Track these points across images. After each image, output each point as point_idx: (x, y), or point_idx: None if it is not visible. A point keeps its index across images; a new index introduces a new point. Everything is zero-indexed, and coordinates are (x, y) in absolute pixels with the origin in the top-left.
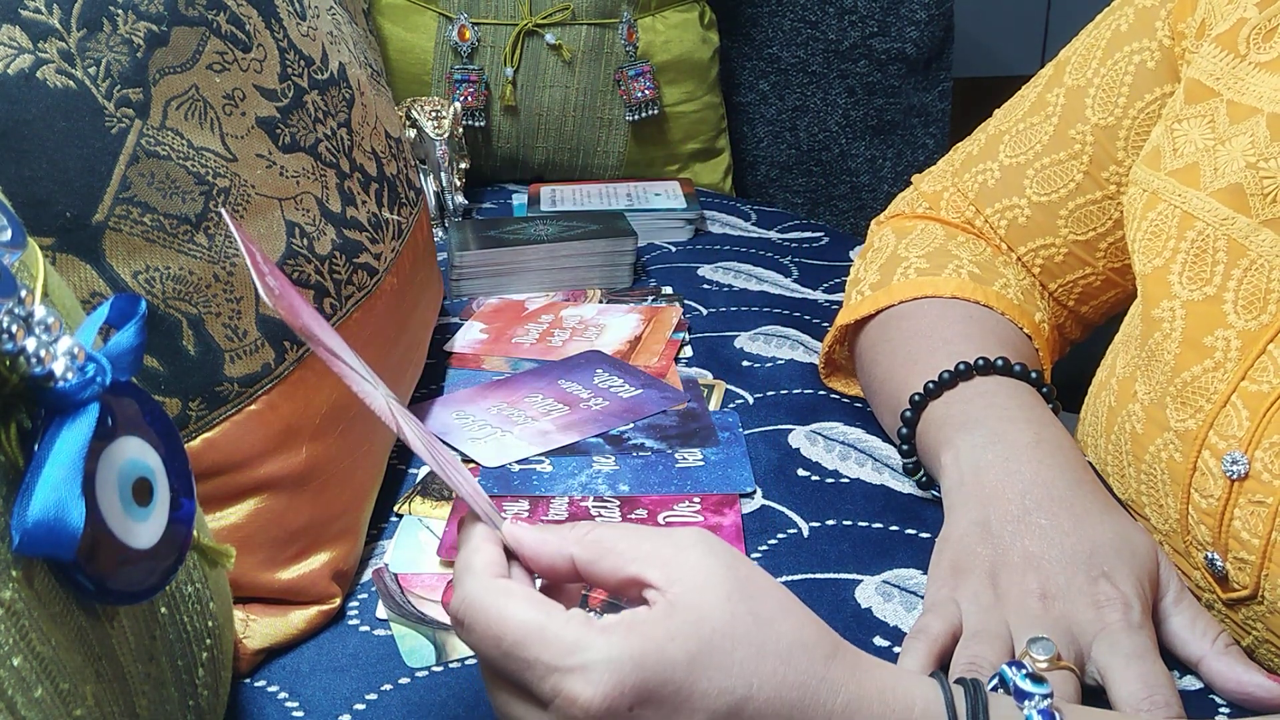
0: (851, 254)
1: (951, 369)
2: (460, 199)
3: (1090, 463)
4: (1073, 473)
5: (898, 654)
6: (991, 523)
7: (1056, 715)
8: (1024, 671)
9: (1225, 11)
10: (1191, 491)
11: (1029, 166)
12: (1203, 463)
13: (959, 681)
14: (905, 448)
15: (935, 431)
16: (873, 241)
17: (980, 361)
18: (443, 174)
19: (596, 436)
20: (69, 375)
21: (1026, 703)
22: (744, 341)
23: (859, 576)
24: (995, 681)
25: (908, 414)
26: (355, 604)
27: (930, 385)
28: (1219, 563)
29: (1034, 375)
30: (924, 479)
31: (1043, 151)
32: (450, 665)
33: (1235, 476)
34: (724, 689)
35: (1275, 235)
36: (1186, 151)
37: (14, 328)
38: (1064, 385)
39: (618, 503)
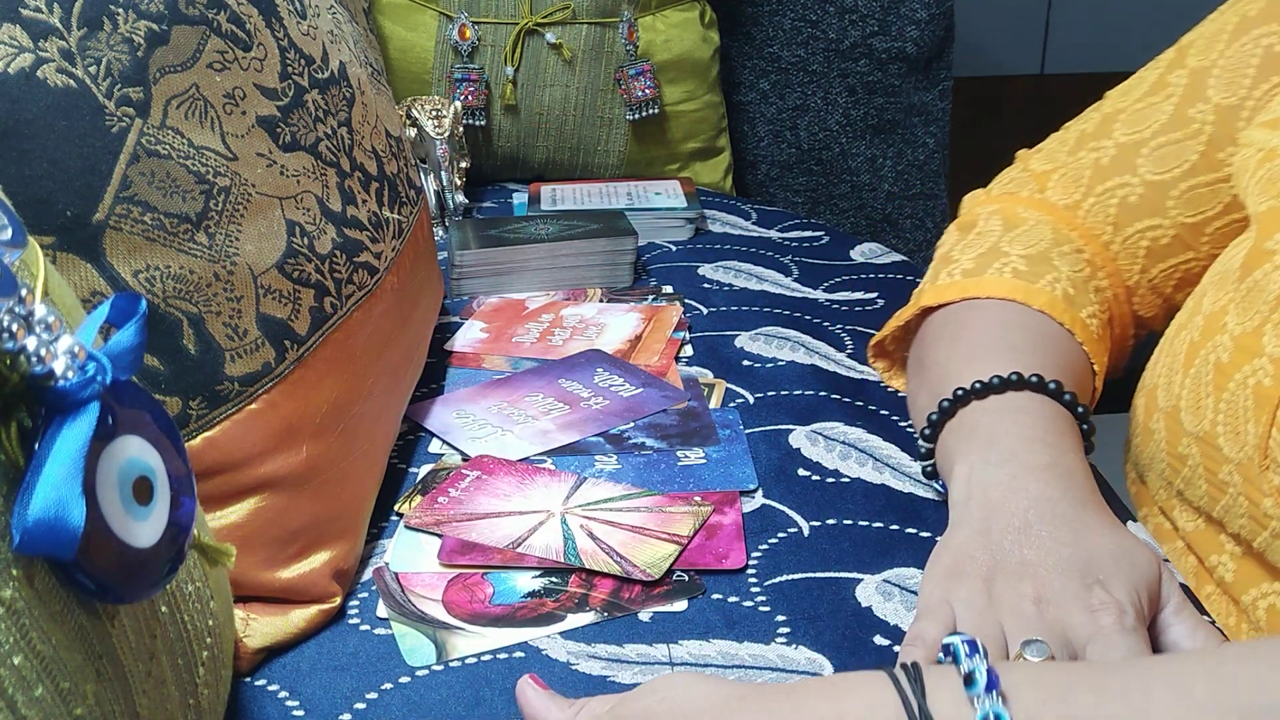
0: (852, 253)
1: (986, 380)
2: (460, 198)
3: (1103, 483)
4: (1080, 494)
5: (898, 653)
6: (992, 531)
7: (993, 673)
8: (964, 637)
9: None
10: (1278, 412)
11: (1144, 145)
12: None
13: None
14: (925, 448)
15: (956, 440)
16: (976, 220)
17: (1014, 376)
18: (443, 173)
19: (597, 435)
20: (69, 374)
21: (966, 660)
22: (744, 341)
23: (859, 576)
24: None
25: (934, 417)
26: (356, 603)
27: (960, 392)
28: None
29: (1068, 397)
30: (930, 469)
31: (1160, 130)
32: (450, 664)
33: None
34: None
35: None
36: None
37: (14, 326)
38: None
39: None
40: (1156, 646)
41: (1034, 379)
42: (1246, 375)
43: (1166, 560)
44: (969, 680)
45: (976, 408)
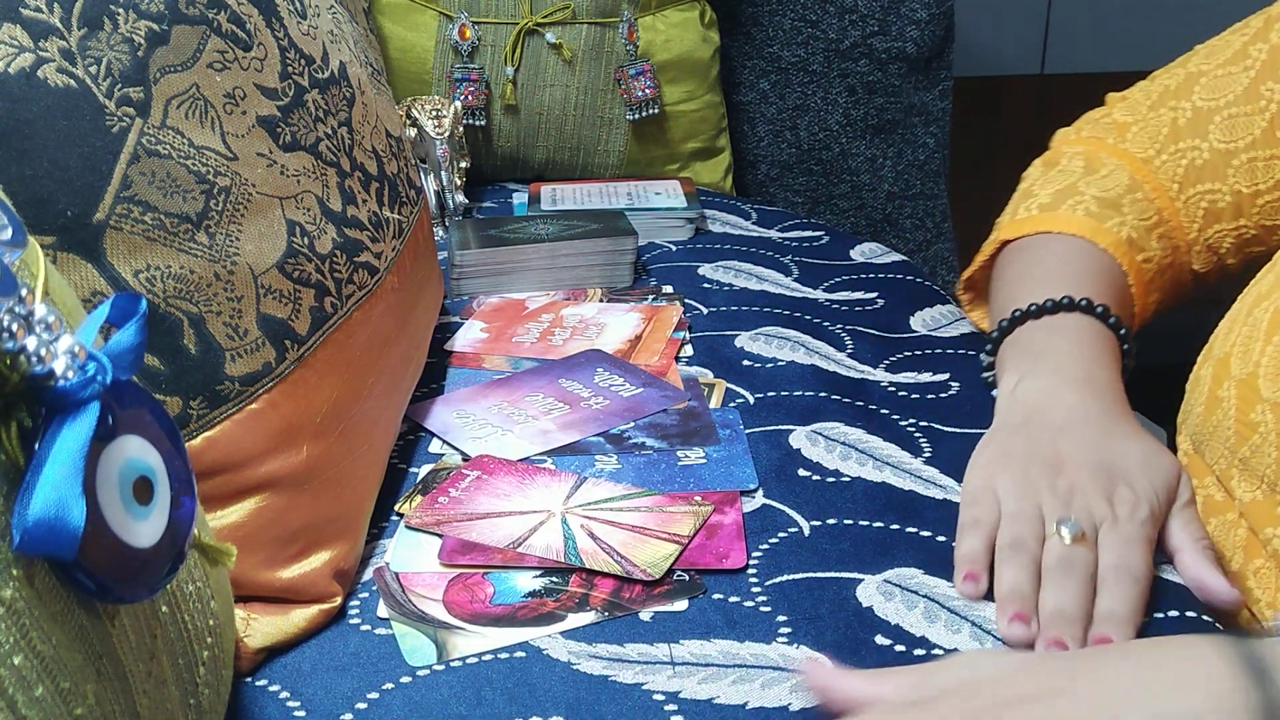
0: (852, 253)
1: (1041, 302)
2: (460, 198)
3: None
4: (1111, 405)
5: (900, 652)
6: (1031, 429)
7: None
8: None
9: None
10: None
11: (1218, 113)
12: None
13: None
14: (987, 361)
15: (1010, 354)
16: (1059, 159)
17: (1066, 299)
18: (443, 173)
19: (597, 435)
20: (69, 374)
21: None
22: (745, 341)
23: (860, 575)
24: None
25: (994, 334)
26: (356, 603)
27: (1018, 313)
28: None
29: (1113, 320)
30: (990, 379)
31: (1233, 101)
32: (451, 664)
33: None
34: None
35: None
36: None
37: (14, 326)
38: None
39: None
40: (1164, 535)
41: (1084, 302)
42: None
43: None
44: None
45: (1031, 326)
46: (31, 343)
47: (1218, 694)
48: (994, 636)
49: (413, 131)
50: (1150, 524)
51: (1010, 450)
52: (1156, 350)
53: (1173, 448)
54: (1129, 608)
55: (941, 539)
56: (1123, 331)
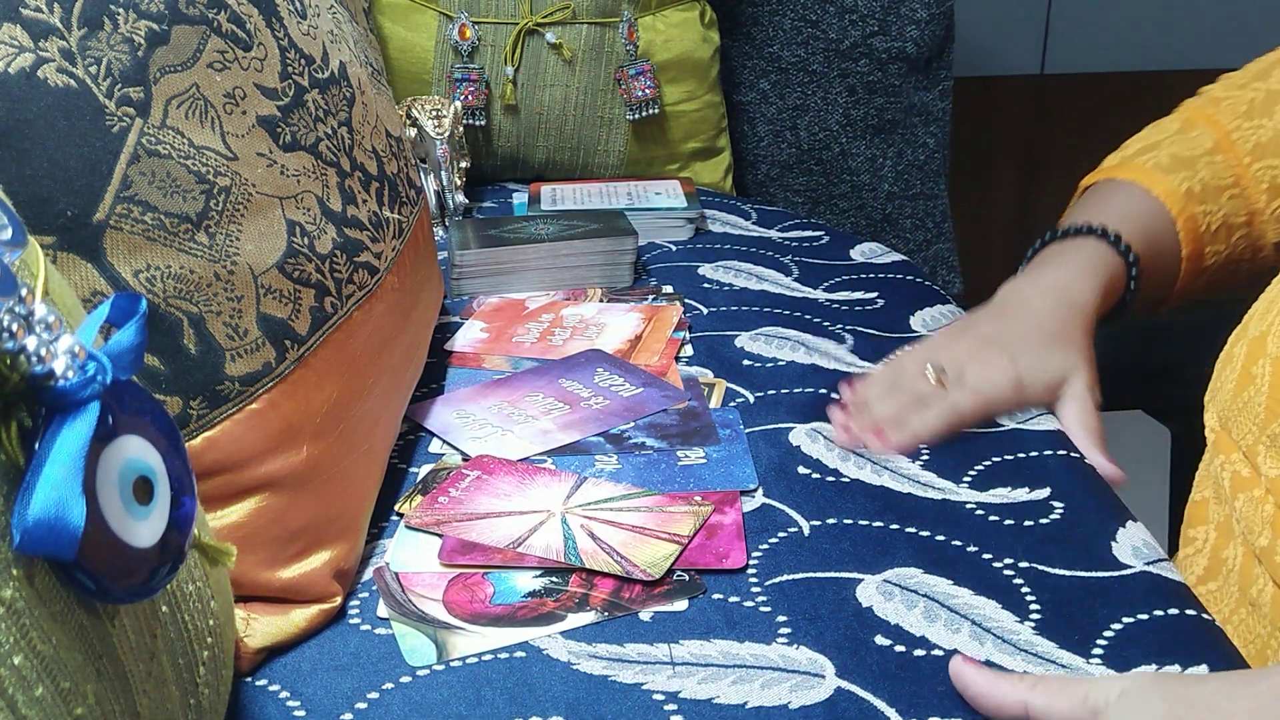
0: (852, 253)
1: (1065, 228)
2: (461, 198)
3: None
4: (1064, 311)
5: (900, 652)
6: (986, 311)
7: None
8: None
9: None
10: None
11: None
12: None
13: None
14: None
15: (1024, 268)
16: (1170, 120)
17: (1084, 226)
18: (443, 173)
19: (597, 435)
20: (69, 374)
21: None
22: (745, 341)
23: (860, 575)
24: None
25: (1028, 254)
26: (356, 603)
27: (1048, 236)
28: None
29: (1123, 247)
30: None
31: None
32: (451, 664)
33: None
34: None
35: None
36: None
37: (14, 326)
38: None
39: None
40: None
41: (1099, 229)
42: None
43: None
44: None
45: (1052, 246)
46: (31, 343)
47: None
48: (993, 635)
49: (413, 131)
50: (1011, 390)
51: (954, 326)
52: (1172, 351)
53: (1199, 428)
54: (926, 429)
55: (940, 538)
56: (1131, 258)
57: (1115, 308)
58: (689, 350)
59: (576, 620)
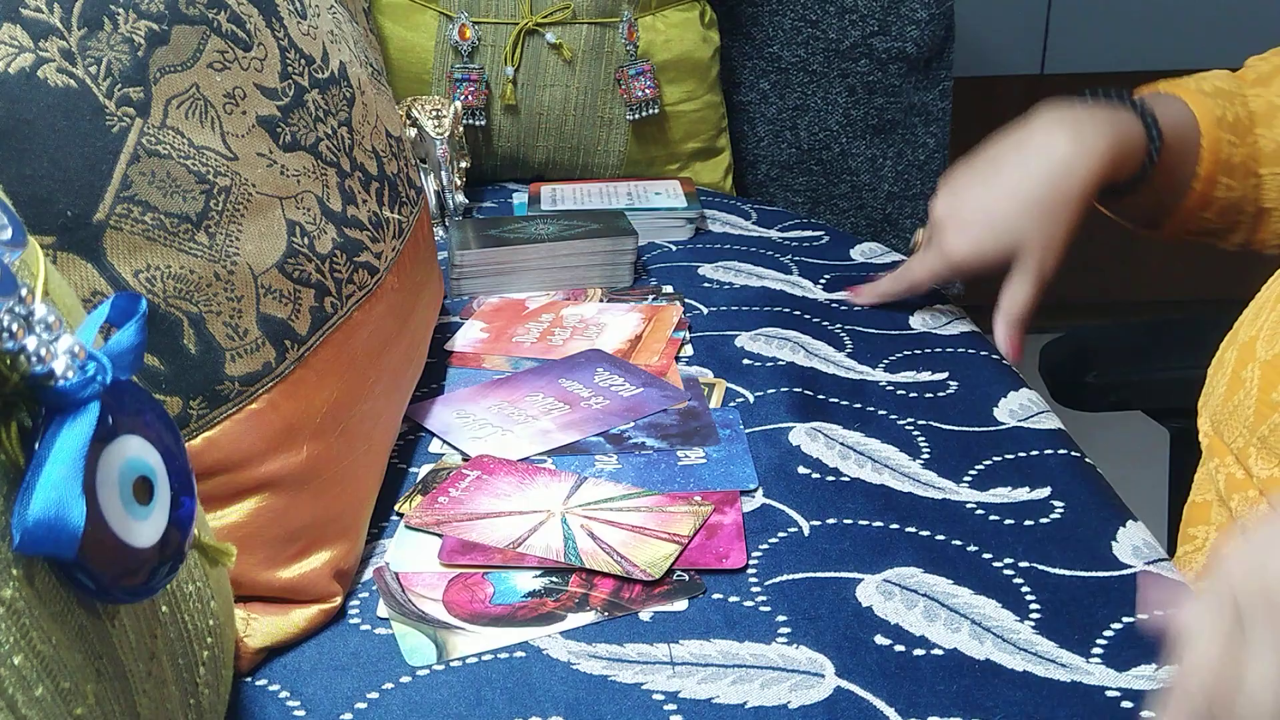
0: (852, 253)
1: (1096, 93)
2: (461, 198)
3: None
4: (1069, 154)
5: (900, 652)
6: (1003, 145)
7: None
8: None
9: None
10: None
11: None
12: None
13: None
14: None
15: (1050, 116)
16: (1228, 73)
17: (1115, 94)
18: (443, 173)
19: (597, 435)
20: (69, 374)
21: None
22: (745, 340)
23: (859, 575)
24: None
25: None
26: (356, 603)
27: (1085, 97)
28: None
29: (1147, 115)
30: None
31: None
32: (451, 664)
33: None
34: None
35: None
36: None
37: (14, 326)
38: None
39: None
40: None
41: (1128, 98)
42: None
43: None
44: None
45: (1079, 107)
46: (31, 343)
47: None
48: (993, 634)
49: (413, 131)
50: (971, 256)
51: (957, 179)
52: (1171, 352)
53: (1193, 432)
54: (884, 286)
55: (940, 538)
56: (1150, 121)
57: (1129, 181)
58: (689, 350)
59: (576, 620)
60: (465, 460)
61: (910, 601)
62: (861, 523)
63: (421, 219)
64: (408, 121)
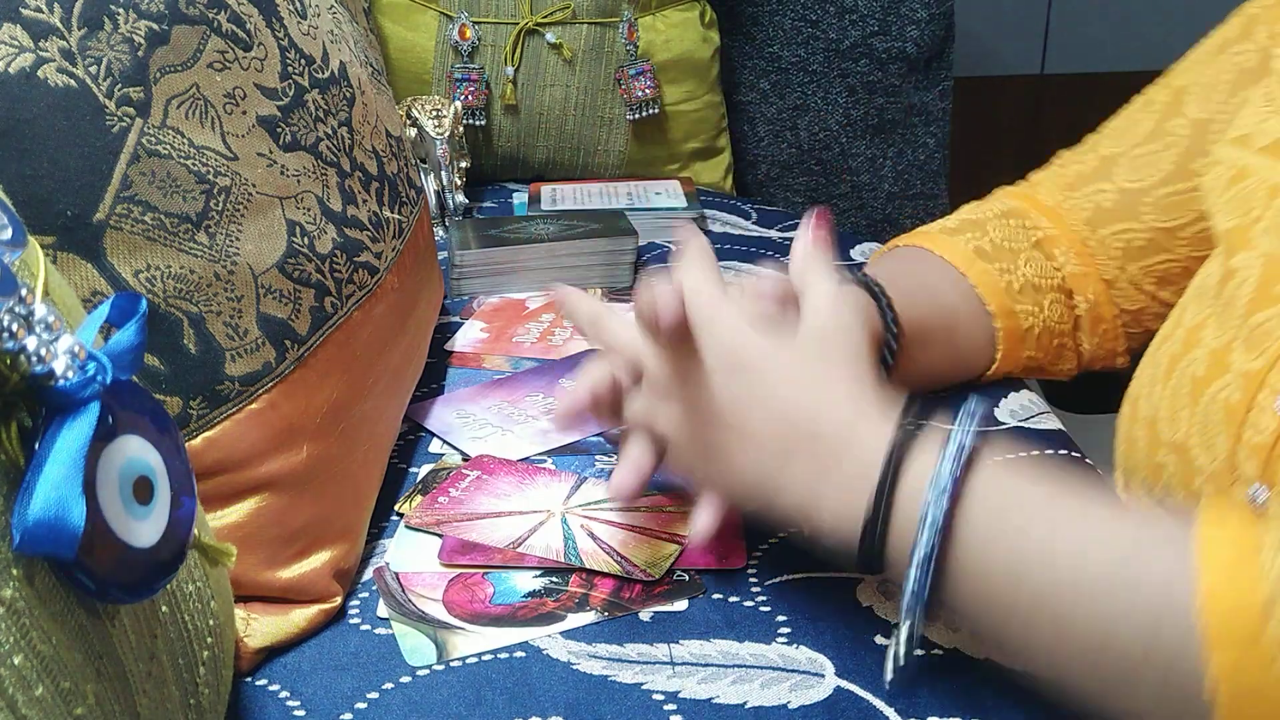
0: (852, 253)
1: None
2: (461, 198)
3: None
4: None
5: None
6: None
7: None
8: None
9: None
10: (1244, 429)
11: (1123, 156)
12: (1259, 400)
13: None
14: None
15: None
16: (987, 201)
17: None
18: (443, 173)
19: (597, 435)
20: (69, 374)
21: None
22: None
23: (860, 575)
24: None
25: None
26: (356, 603)
27: None
28: (1261, 497)
29: (884, 301)
30: None
31: (1139, 143)
32: (451, 664)
33: None
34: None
35: None
36: (1277, 132)
37: (14, 326)
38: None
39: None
40: None
41: (863, 279)
42: (1217, 390)
43: None
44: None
45: None
46: (31, 343)
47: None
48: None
49: (413, 131)
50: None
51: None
52: None
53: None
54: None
55: None
56: (884, 303)
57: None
58: None
59: (576, 620)
60: (465, 460)
61: None
62: None
63: (421, 219)
64: (408, 121)
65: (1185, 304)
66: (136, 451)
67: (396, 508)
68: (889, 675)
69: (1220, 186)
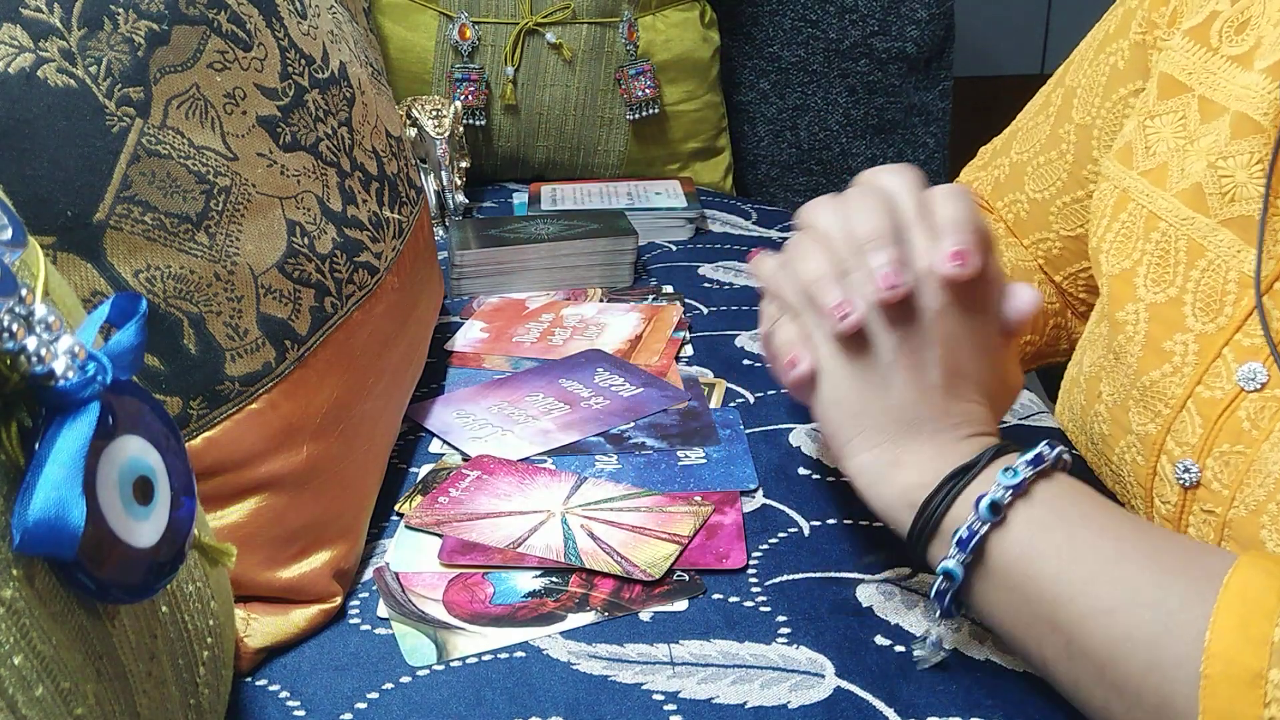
0: None
1: None
2: (461, 198)
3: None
4: None
5: (900, 653)
6: None
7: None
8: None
9: (1198, 3)
10: (1153, 497)
11: (1029, 164)
12: (1161, 469)
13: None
14: None
15: None
16: None
17: None
18: (443, 173)
19: (597, 435)
20: (70, 374)
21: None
22: (745, 340)
23: (860, 575)
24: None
25: None
26: (356, 603)
27: None
28: None
29: None
30: None
31: (1039, 150)
32: (451, 664)
33: (1187, 484)
34: None
35: (1232, 235)
36: (1159, 150)
37: (15, 326)
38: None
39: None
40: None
41: None
42: (1124, 450)
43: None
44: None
45: None
46: (31, 343)
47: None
48: (993, 634)
49: (413, 131)
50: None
51: None
52: None
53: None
54: None
55: None
56: None
57: None
58: (689, 350)
59: (576, 620)
60: (465, 460)
61: (910, 602)
62: (862, 523)
63: (421, 219)
64: (408, 121)
65: (1083, 347)
66: (136, 451)
67: (396, 508)
68: (929, 640)
69: (1108, 213)
